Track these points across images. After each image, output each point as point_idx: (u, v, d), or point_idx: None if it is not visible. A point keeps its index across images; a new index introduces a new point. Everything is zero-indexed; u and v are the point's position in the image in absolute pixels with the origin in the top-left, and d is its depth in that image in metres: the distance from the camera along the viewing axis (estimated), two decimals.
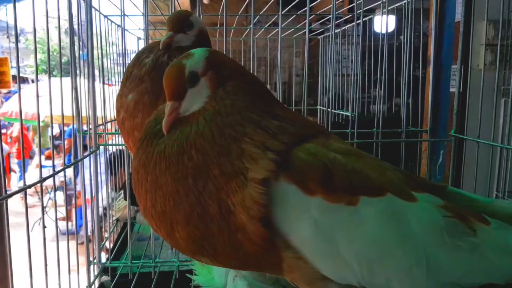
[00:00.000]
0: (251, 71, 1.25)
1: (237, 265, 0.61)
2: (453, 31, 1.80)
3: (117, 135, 1.54)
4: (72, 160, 1.06)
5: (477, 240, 0.55)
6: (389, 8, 1.21)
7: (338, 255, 0.54)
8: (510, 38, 1.34)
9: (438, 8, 1.30)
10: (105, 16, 1.48)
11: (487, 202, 0.62)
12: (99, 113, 1.28)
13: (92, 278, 1.15)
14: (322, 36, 2.40)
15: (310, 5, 1.15)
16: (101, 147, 1.29)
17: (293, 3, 1.40)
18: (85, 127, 1.20)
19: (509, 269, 0.55)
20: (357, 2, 1.19)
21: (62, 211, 3.62)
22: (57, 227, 1.02)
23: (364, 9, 1.21)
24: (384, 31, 1.32)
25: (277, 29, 1.23)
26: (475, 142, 1.05)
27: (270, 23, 2.08)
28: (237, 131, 0.56)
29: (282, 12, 1.12)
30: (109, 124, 1.62)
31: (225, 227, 0.55)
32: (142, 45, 2.02)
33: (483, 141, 1.02)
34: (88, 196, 1.19)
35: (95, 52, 1.28)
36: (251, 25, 1.18)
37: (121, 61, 1.70)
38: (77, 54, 1.14)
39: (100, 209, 1.33)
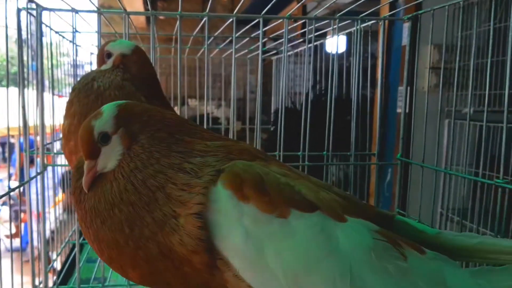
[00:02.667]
0: (206, 88, 1.26)
1: None
2: (400, 54, 1.88)
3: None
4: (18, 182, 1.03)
5: (406, 265, 0.55)
6: (339, 34, 1.25)
7: (266, 266, 0.55)
8: (454, 62, 1.41)
9: (385, 33, 1.36)
10: (56, 32, 1.45)
11: (434, 233, 0.64)
12: (49, 127, 1.25)
13: None
14: (275, 57, 2.45)
15: (264, 29, 1.18)
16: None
17: (251, 24, 1.42)
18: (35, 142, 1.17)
19: None
20: (309, 28, 1.23)
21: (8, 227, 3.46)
22: None
23: (315, 34, 1.25)
24: (335, 52, 1.36)
25: (232, 50, 1.24)
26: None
27: (225, 43, 2.10)
28: (159, 180, 0.58)
29: (237, 35, 1.14)
30: (58, 143, 1.58)
31: (170, 264, 0.57)
32: (95, 60, 1.98)
33: (428, 165, 1.07)
34: (34, 216, 1.15)
35: (45, 62, 1.25)
36: (205, 45, 1.19)
37: (72, 73, 1.67)
38: (26, 64, 1.11)
39: (48, 232, 1.28)
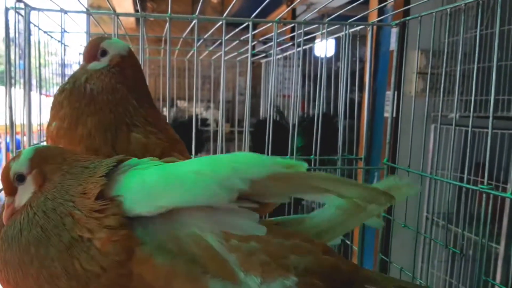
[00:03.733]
0: (195, 90, 1.26)
1: None
2: (388, 59, 1.90)
3: None
4: None
5: None
6: (328, 38, 1.26)
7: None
8: (440, 67, 1.43)
9: (373, 38, 1.37)
10: (45, 32, 1.44)
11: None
12: (36, 126, 1.24)
13: None
14: (264, 60, 2.46)
15: (254, 32, 1.18)
16: None
17: (240, 27, 1.43)
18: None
19: None
20: (298, 32, 1.24)
21: None
22: None
23: (304, 38, 1.25)
24: (323, 56, 1.37)
25: (221, 52, 1.24)
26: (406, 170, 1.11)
27: (215, 45, 2.10)
28: (66, 207, 0.64)
29: (226, 38, 1.14)
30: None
31: (74, 284, 0.61)
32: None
33: (413, 170, 1.08)
34: None
35: (33, 61, 1.24)
36: (195, 47, 1.19)
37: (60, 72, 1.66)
38: (13, 63, 1.11)
39: None
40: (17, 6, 1.10)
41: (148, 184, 0.64)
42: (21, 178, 0.69)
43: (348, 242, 1.42)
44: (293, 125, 1.27)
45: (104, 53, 0.91)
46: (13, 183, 0.70)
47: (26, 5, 1.10)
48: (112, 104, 0.86)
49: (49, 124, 0.89)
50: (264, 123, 1.26)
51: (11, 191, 0.70)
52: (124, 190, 0.64)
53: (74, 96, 0.86)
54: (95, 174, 0.67)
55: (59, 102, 0.88)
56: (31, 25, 1.18)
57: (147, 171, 0.67)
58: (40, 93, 1.35)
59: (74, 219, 0.63)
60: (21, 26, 1.16)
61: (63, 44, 1.31)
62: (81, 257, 0.60)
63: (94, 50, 0.91)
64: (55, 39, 1.53)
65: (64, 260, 0.61)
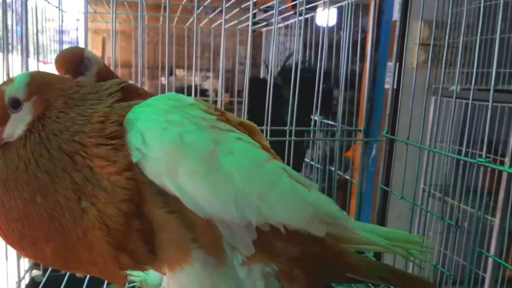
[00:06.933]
0: (195, 58, 1.24)
1: (104, 271, 0.61)
2: (390, 29, 1.87)
3: None
4: None
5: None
6: (330, 7, 1.24)
7: (219, 167, 0.56)
8: (443, 39, 1.41)
9: (376, 7, 1.35)
10: None
11: None
12: None
13: (22, 273, 1.11)
14: (265, 29, 2.42)
15: (254, 0, 1.16)
16: None
17: None
18: None
19: None
20: (300, 0, 1.21)
21: None
22: None
23: (306, 7, 1.23)
24: (325, 25, 1.35)
25: (221, 20, 1.22)
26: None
27: (215, 13, 2.07)
28: (76, 143, 0.57)
29: (227, 5, 1.12)
30: None
31: (80, 233, 0.56)
32: (81, 26, 1.95)
33: (412, 143, 1.08)
34: None
35: (30, 27, 1.22)
36: (195, 15, 1.17)
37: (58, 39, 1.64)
38: (10, 29, 1.09)
39: None
40: None
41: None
42: (16, 104, 0.60)
43: (345, 213, 1.43)
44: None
45: (87, 67, 0.84)
46: (7, 109, 0.60)
47: None
48: None
49: None
50: (256, 82, 1.24)
51: (1, 120, 0.60)
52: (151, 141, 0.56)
53: None
54: (104, 99, 0.61)
55: None
56: None
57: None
58: (38, 60, 1.34)
59: (87, 154, 0.56)
60: None
61: (60, 9, 1.28)
62: (99, 194, 0.55)
63: (77, 64, 0.83)
64: (53, 5, 1.50)
65: (74, 208, 0.55)
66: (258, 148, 0.62)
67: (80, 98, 0.61)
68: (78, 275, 0.67)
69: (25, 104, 0.60)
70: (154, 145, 0.55)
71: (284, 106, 1.52)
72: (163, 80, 2.43)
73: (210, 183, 0.56)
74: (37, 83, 0.62)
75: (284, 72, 1.49)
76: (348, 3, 1.28)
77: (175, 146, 0.55)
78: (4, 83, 0.62)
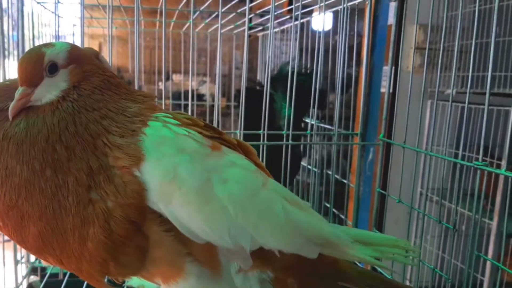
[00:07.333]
0: (191, 63, 1.24)
1: (84, 268, 0.58)
2: (386, 34, 1.88)
3: None
4: None
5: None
6: (326, 11, 1.25)
7: (213, 197, 0.56)
8: (438, 43, 1.41)
9: (372, 11, 1.35)
10: (38, 2, 1.41)
11: None
12: None
13: (20, 279, 1.11)
14: (261, 33, 2.43)
15: (251, 5, 1.16)
16: None
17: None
18: None
19: None
20: (295, 5, 1.22)
21: None
22: None
23: (302, 11, 1.23)
24: (321, 30, 1.36)
25: (218, 25, 1.22)
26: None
27: (211, 17, 2.07)
28: (102, 127, 0.56)
29: (223, 10, 1.12)
30: None
31: (78, 222, 0.53)
32: (77, 31, 1.95)
33: (409, 147, 1.08)
34: None
35: (26, 32, 1.22)
36: (191, 20, 1.17)
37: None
38: (6, 34, 1.09)
39: None
40: None
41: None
42: (53, 68, 0.58)
43: (343, 217, 1.43)
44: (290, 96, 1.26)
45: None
46: (43, 71, 0.58)
47: None
48: None
49: None
50: (248, 91, 1.23)
51: (34, 80, 0.57)
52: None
53: None
54: (143, 100, 0.61)
55: None
56: None
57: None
58: None
59: (109, 141, 0.55)
60: None
61: (57, 15, 1.28)
62: (109, 190, 0.53)
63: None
64: (49, 10, 1.50)
65: (81, 193, 0.53)
66: (253, 171, 0.61)
67: (116, 84, 0.60)
68: (44, 263, 0.64)
69: (62, 70, 0.58)
70: (149, 176, 0.55)
71: (276, 112, 1.53)
72: (160, 85, 2.43)
73: (204, 214, 0.56)
74: (77, 52, 0.60)
75: (274, 79, 1.49)
76: (344, 8, 1.29)
77: (169, 179, 0.55)
78: (44, 45, 0.60)
